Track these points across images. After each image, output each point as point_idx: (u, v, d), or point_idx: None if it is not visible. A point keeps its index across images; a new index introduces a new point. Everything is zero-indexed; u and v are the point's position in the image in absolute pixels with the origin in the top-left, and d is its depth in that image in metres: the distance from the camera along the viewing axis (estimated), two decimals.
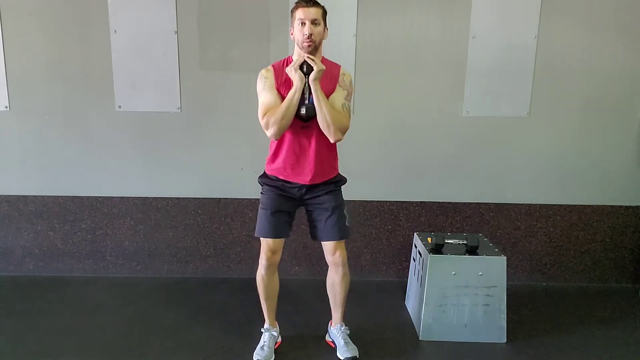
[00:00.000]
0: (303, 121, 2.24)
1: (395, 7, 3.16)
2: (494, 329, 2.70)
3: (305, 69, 2.17)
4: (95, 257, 3.49)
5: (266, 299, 2.51)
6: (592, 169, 3.36)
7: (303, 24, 2.15)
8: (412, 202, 3.42)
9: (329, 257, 2.45)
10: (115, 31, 3.19)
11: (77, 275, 3.50)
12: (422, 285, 2.77)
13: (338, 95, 2.28)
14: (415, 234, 3.06)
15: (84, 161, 3.36)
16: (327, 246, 2.42)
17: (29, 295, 3.18)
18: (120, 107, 3.29)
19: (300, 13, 2.15)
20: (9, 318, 2.90)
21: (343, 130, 2.25)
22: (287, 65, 2.24)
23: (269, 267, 2.41)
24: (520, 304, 3.14)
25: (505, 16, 3.17)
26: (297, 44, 2.21)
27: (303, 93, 2.19)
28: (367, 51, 3.21)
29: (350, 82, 2.33)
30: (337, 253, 2.41)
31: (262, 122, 2.21)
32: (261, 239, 2.39)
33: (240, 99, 3.27)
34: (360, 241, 3.47)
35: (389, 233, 3.46)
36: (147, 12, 3.16)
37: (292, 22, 2.21)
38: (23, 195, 3.40)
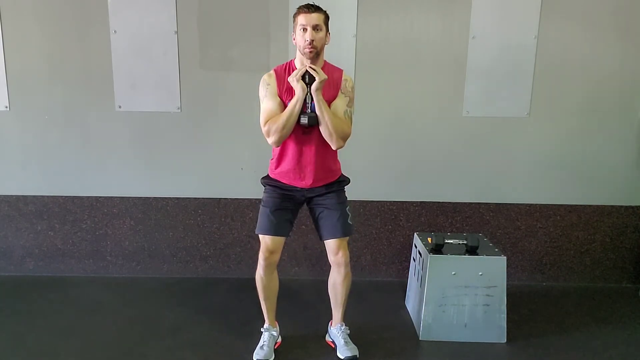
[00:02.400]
0: (305, 128, 2.26)
1: (395, 7, 3.16)
2: (494, 329, 2.70)
3: (307, 79, 2.17)
4: (95, 257, 3.49)
5: (265, 299, 2.51)
6: (592, 169, 3.36)
7: (305, 29, 2.15)
8: (412, 202, 3.42)
9: (331, 257, 2.45)
10: (115, 31, 3.19)
11: (77, 275, 3.50)
12: (422, 285, 2.77)
13: (340, 103, 2.28)
14: (415, 234, 3.06)
15: (84, 161, 3.36)
16: (330, 244, 2.42)
17: (29, 295, 3.18)
18: (120, 107, 3.29)
19: (302, 19, 2.15)
20: (9, 318, 2.90)
21: (345, 138, 2.26)
22: (289, 71, 2.25)
23: (267, 266, 2.41)
24: (520, 304, 3.14)
25: (505, 16, 3.17)
26: (299, 50, 2.21)
27: (305, 101, 2.19)
28: (367, 51, 3.21)
29: (352, 87, 2.34)
30: (340, 253, 2.41)
31: (264, 129, 2.23)
32: (260, 237, 2.39)
33: (240, 99, 3.27)
34: (360, 241, 3.47)
35: (389, 233, 3.46)
36: (147, 12, 3.16)
37: (294, 27, 2.20)
38: (23, 195, 3.40)
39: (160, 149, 3.35)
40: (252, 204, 3.38)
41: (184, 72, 3.24)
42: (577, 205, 3.41)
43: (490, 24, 3.17)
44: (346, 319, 2.61)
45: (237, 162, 3.36)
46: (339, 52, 3.19)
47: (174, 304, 3.09)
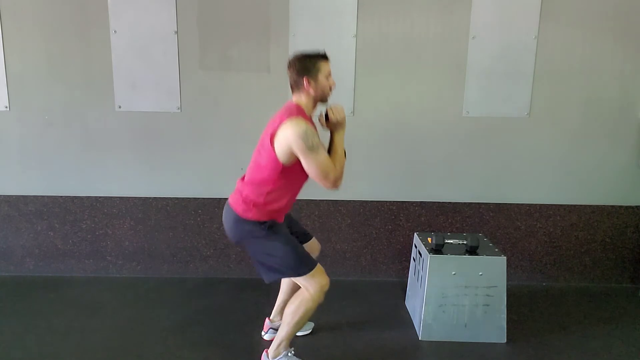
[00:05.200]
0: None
1: (395, 7, 3.16)
2: (494, 329, 2.70)
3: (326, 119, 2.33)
4: (95, 257, 3.49)
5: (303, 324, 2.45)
6: (592, 169, 3.36)
7: (329, 75, 2.27)
8: (412, 202, 3.42)
9: (315, 253, 2.56)
10: (115, 31, 3.19)
11: (77, 275, 3.50)
12: (422, 285, 2.77)
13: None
14: (415, 234, 3.06)
15: (84, 161, 3.36)
16: (313, 244, 2.59)
17: (29, 295, 3.18)
18: (120, 107, 3.29)
19: (326, 66, 2.25)
20: (9, 318, 2.90)
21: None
22: (307, 117, 2.23)
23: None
24: (520, 304, 3.14)
25: (505, 16, 3.17)
26: (321, 94, 2.26)
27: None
28: (367, 51, 3.21)
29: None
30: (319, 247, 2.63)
31: (332, 178, 2.17)
32: (314, 271, 2.29)
33: (240, 99, 3.27)
34: (360, 241, 3.47)
35: (389, 233, 3.46)
36: (147, 12, 3.17)
37: (315, 74, 2.21)
38: (23, 195, 3.40)
39: (160, 149, 3.35)
40: None
41: (184, 72, 3.24)
42: (577, 205, 3.41)
43: (490, 24, 3.18)
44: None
45: (237, 162, 3.36)
46: (339, 52, 3.19)
47: (174, 304, 3.09)
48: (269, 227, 2.25)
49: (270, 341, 2.55)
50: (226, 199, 3.39)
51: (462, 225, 3.44)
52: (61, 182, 3.39)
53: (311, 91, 2.23)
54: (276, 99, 3.27)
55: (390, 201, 3.42)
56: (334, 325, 2.85)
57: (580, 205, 3.41)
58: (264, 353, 2.43)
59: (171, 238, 3.47)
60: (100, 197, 3.41)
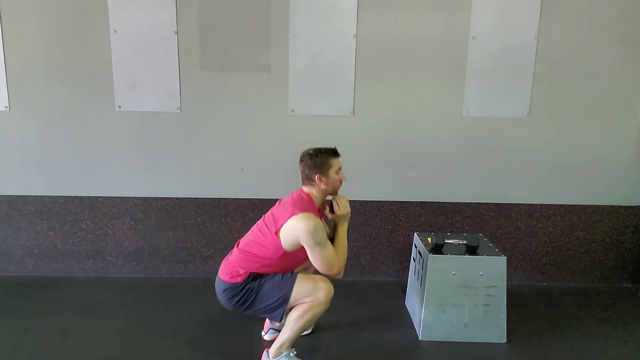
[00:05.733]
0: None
1: (395, 7, 3.16)
2: (494, 329, 2.70)
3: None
4: (95, 257, 3.49)
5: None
6: (592, 169, 3.36)
7: (339, 170, 2.40)
8: (412, 202, 3.42)
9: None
10: (115, 31, 3.19)
11: (77, 275, 3.50)
12: (422, 285, 2.77)
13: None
14: (415, 234, 3.06)
15: (84, 161, 3.36)
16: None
17: (29, 295, 3.18)
18: (120, 107, 3.29)
19: (337, 162, 2.39)
20: (9, 318, 2.90)
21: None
22: (314, 209, 2.34)
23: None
24: (520, 304, 3.14)
25: (505, 16, 3.17)
26: (332, 188, 2.39)
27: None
28: (367, 51, 3.21)
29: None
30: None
31: (334, 272, 2.29)
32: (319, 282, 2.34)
33: (240, 99, 3.27)
34: (360, 241, 3.47)
35: (389, 233, 3.46)
36: (147, 12, 3.16)
37: (326, 171, 2.34)
38: (23, 195, 3.40)
39: (160, 149, 3.35)
40: (252, 204, 3.38)
41: (184, 72, 3.24)
42: (577, 205, 3.41)
43: (490, 24, 3.18)
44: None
45: (237, 162, 3.36)
46: (339, 52, 3.20)
47: (174, 304, 3.09)
48: (252, 278, 2.32)
49: (270, 341, 2.56)
50: (226, 199, 3.42)
51: (462, 225, 3.44)
52: (61, 182, 3.39)
53: (322, 186, 2.35)
54: (276, 99, 3.28)
55: (390, 201, 3.42)
56: (334, 325, 2.85)
57: (580, 205, 3.41)
58: (265, 352, 2.43)
59: (171, 238, 3.47)
60: (100, 197, 3.41)
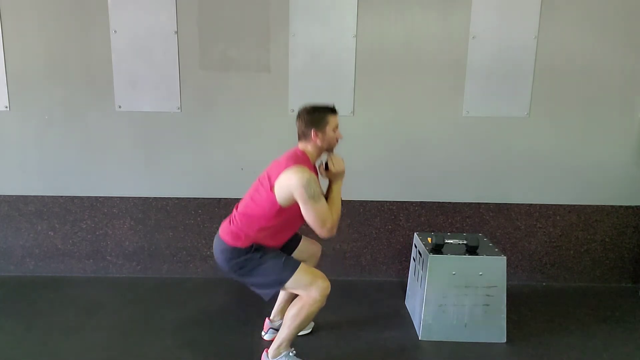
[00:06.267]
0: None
1: (395, 7, 3.16)
2: (494, 329, 2.71)
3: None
4: (95, 257, 3.49)
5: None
6: (592, 169, 3.36)
7: (336, 128, 2.37)
8: (412, 202, 3.42)
9: (316, 256, 2.68)
10: (115, 31, 3.19)
11: (77, 275, 3.50)
12: (422, 285, 2.77)
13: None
14: (415, 234, 3.06)
15: (84, 161, 3.36)
16: (308, 247, 2.66)
17: (29, 295, 3.18)
18: (120, 107, 3.29)
19: (334, 119, 2.36)
20: (9, 318, 2.90)
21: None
22: (310, 165, 2.34)
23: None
24: (520, 304, 3.14)
25: (505, 16, 3.17)
26: (327, 145, 2.36)
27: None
28: (367, 51, 3.21)
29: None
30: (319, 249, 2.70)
31: (327, 228, 2.24)
32: (311, 275, 2.32)
33: (240, 99, 3.27)
34: (360, 241, 3.47)
35: (389, 233, 3.46)
36: (147, 12, 3.17)
37: (323, 126, 2.32)
38: (23, 195, 3.40)
39: (160, 149, 3.35)
40: None
41: (184, 72, 3.24)
42: (577, 205, 3.41)
43: (490, 24, 3.18)
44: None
45: (237, 162, 3.36)
46: (339, 52, 3.20)
47: (174, 304, 3.09)
48: (255, 249, 2.31)
49: (270, 341, 2.56)
50: (226, 199, 3.42)
51: (462, 225, 3.44)
52: (61, 182, 3.39)
53: (318, 142, 2.34)
54: (276, 98, 3.28)
55: (390, 201, 3.42)
56: (334, 325, 2.85)
57: (580, 205, 3.41)
58: (264, 353, 2.43)
59: (171, 238, 3.47)
60: (100, 197, 3.41)
